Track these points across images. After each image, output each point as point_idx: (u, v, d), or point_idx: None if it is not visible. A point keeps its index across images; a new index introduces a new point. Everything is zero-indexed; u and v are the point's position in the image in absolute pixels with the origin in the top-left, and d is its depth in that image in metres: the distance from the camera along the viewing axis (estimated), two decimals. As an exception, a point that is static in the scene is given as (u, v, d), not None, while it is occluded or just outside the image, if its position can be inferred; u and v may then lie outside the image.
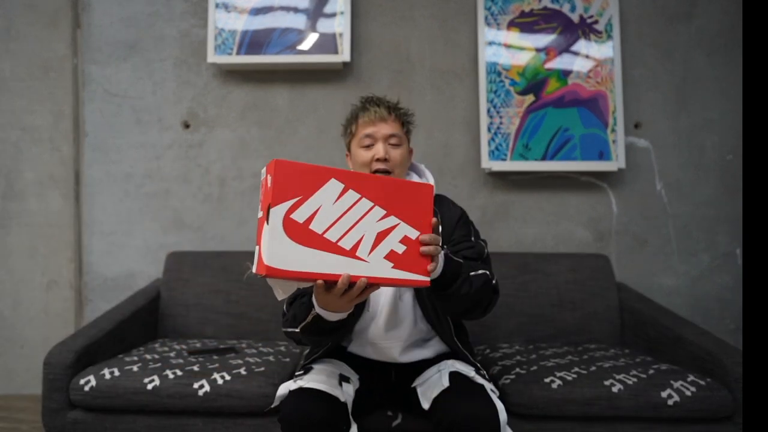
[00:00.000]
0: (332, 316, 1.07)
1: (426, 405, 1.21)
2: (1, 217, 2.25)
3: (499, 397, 1.21)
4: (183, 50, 2.24)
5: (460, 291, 1.13)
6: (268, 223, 0.89)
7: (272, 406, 1.31)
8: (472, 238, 1.35)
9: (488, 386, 1.22)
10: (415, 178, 1.42)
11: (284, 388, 1.22)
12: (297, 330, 1.16)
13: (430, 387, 1.22)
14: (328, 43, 2.13)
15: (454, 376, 1.22)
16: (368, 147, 1.33)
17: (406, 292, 1.32)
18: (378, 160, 1.31)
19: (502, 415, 1.13)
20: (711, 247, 2.19)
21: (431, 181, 1.39)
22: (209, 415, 1.46)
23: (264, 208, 0.92)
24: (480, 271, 1.19)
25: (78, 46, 2.25)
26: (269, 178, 0.90)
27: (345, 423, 1.16)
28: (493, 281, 1.22)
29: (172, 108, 2.24)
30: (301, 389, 1.17)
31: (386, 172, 1.30)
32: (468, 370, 1.25)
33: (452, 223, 1.35)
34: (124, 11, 2.24)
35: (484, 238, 1.37)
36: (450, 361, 1.30)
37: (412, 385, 1.28)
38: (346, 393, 1.20)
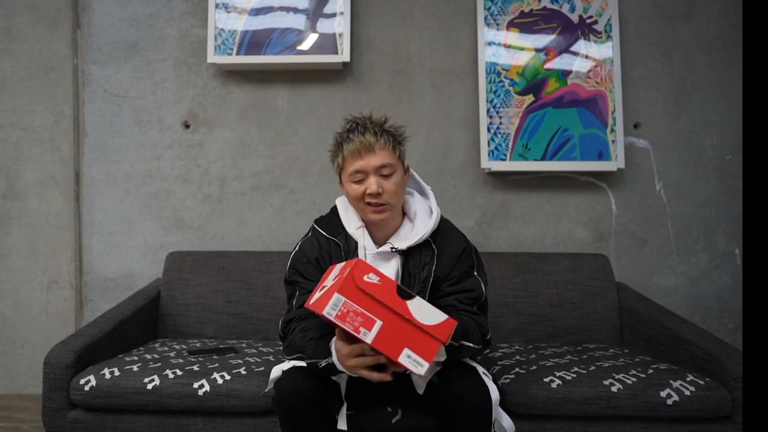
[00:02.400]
0: (343, 368, 1.11)
1: (420, 390, 1.23)
2: (2, 217, 2.25)
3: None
4: (183, 50, 2.24)
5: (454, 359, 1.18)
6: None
7: (266, 390, 1.33)
8: (475, 273, 1.32)
9: (480, 369, 1.24)
10: (418, 198, 1.38)
11: (277, 371, 1.24)
12: (303, 362, 1.18)
13: None
14: (327, 43, 2.13)
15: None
16: (360, 182, 1.26)
17: None
18: (371, 194, 1.25)
19: (494, 393, 1.15)
20: (710, 247, 2.19)
21: (434, 206, 1.35)
22: (209, 414, 1.46)
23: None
24: (472, 345, 1.20)
25: (78, 46, 2.25)
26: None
27: (336, 401, 1.18)
28: (487, 336, 1.24)
29: (172, 108, 2.24)
30: (293, 368, 1.19)
31: (380, 205, 1.26)
32: None
33: (452, 259, 1.30)
34: (124, 11, 2.24)
35: (486, 272, 1.35)
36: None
37: (406, 372, 1.28)
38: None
